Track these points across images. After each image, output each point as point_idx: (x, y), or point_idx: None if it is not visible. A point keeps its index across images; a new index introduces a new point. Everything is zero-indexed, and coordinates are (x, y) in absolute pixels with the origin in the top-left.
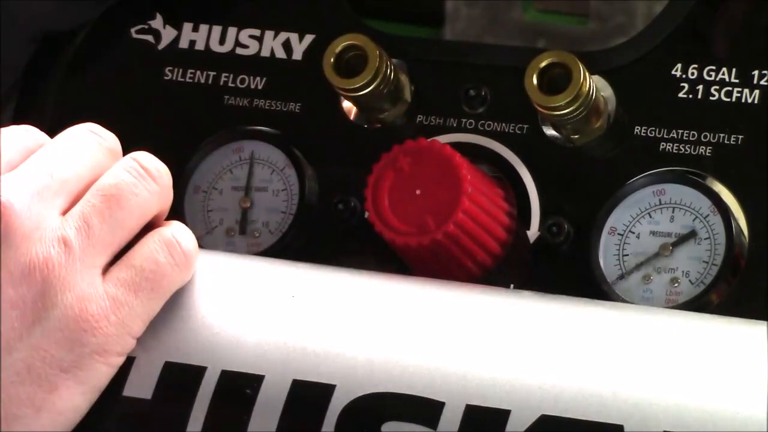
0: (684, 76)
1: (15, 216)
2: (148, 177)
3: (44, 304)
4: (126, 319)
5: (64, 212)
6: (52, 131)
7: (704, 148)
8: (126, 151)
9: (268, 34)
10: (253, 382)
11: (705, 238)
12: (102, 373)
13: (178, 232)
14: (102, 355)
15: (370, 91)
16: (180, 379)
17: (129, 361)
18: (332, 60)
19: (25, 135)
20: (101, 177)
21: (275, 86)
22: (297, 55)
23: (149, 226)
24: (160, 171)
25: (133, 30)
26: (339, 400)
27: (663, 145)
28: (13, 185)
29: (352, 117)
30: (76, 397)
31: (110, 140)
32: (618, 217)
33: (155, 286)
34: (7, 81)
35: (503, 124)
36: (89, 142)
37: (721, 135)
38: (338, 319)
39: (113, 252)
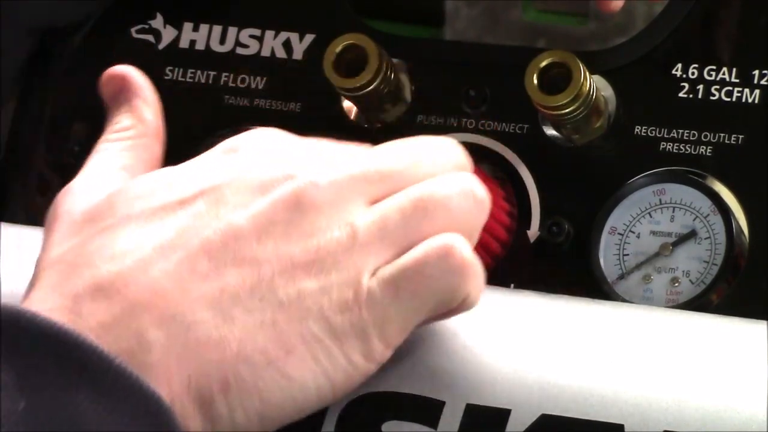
0: (684, 76)
1: (312, 187)
2: (472, 199)
3: (310, 275)
4: (378, 320)
5: (372, 202)
6: (52, 131)
7: (704, 147)
8: None
9: (269, 34)
10: None
11: (705, 238)
12: (340, 365)
13: (458, 241)
14: (342, 343)
15: (370, 91)
16: None
17: None
18: (332, 60)
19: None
20: (426, 182)
21: (275, 86)
22: (297, 54)
23: None
24: (486, 202)
25: (133, 30)
26: (339, 400)
27: (663, 144)
28: (327, 167)
29: (352, 117)
30: (308, 373)
31: (460, 158)
32: (618, 217)
33: (417, 290)
34: (6, 76)
35: (503, 124)
36: (436, 149)
37: (722, 135)
38: None
39: (397, 253)
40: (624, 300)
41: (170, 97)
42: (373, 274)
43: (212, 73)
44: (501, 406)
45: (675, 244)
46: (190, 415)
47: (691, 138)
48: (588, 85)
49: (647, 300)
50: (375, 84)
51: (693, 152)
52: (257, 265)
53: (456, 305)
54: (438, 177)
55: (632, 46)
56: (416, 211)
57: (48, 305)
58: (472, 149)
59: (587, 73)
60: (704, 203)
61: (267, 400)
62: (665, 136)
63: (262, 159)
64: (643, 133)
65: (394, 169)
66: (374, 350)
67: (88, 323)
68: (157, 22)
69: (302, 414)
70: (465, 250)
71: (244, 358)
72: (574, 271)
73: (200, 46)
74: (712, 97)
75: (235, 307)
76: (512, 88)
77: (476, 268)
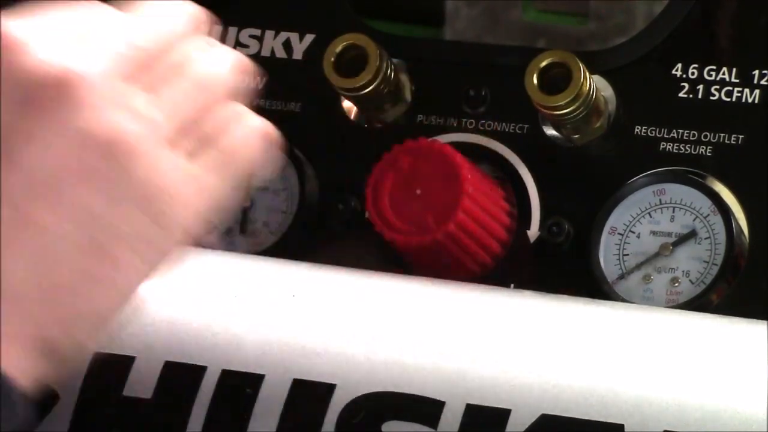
0: (684, 76)
1: (83, 82)
2: (217, 52)
3: (113, 174)
4: (197, 196)
5: (136, 81)
6: None
7: (704, 147)
8: None
9: (268, 34)
10: (253, 381)
11: (705, 238)
12: (161, 250)
13: (249, 112)
14: (168, 229)
15: (370, 91)
16: (180, 379)
17: (129, 361)
18: (332, 60)
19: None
20: (173, 51)
21: (275, 86)
22: (297, 54)
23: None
24: (245, 65)
25: None
26: (339, 400)
27: (663, 144)
28: (86, 54)
29: (352, 117)
30: (133, 273)
31: (199, 13)
32: (618, 217)
33: (229, 163)
34: None
35: (503, 124)
36: (175, 13)
37: (722, 135)
38: (338, 319)
39: (183, 126)
40: (624, 300)
41: None
42: (178, 151)
43: None
44: (501, 406)
45: (675, 244)
46: (41, 367)
47: (691, 138)
48: (588, 85)
49: (647, 300)
50: (375, 84)
51: (693, 152)
52: (56, 189)
53: (261, 172)
54: (184, 44)
55: (632, 46)
56: (199, 90)
57: None
58: (472, 149)
59: (587, 73)
60: (704, 203)
61: (102, 314)
62: (665, 136)
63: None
64: (643, 133)
65: (156, 46)
66: (197, 227)
67: None
68: None
69: (130, 297)
70: (258, 119)
71: (69, 290)
72: (574, 271)
73: None
74: (712, 97)
75: (51, 242)
76: (512, 88)
77: (275, 133)
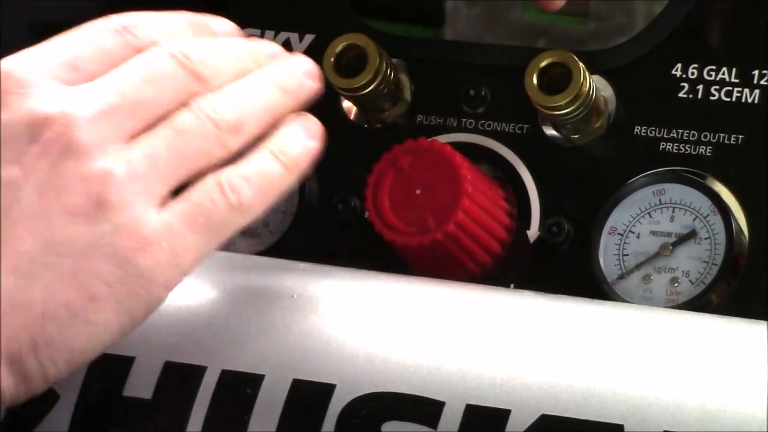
0: (684, 76)
1: (76, 128)
2: (228, 134)
3: (98, 217)
4: (178, 250)
5: (133, 136)
6: None
7: (704, 147)
8: None
9: (268, 34)
10: (253, 381)
11: (705, 238)
12: (141, 301)
13: (241, 182)
14: (147, 279)
15: (370, 91)
16: (180, 379)
17: (129, 361)
18: (332, 60)
19: (109, 38)
20: (181, 113)
21: None
22: None
23: None
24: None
25: None
26: (339, 400)
27: (663, 144)
28: (80, 100)
29: (352, 117)
30: (111, 315)
31: (197, 62)
32: (618, 217)
33: (209, 223)
34: None
35: (503, 124)
36: (174, 67)
37: (721, 135)
38: (338, 319)
39: (173, 186)
40: (624, 300)
41: None
42: (161, 207)
43: None
44: (501, 406)
45: (675, 244)
46: (2, 376)
47: (691, 138)
48: (588, 85)
49: (647, 300)
50: (375, 84)
51: (693, 152)
52: (44, 220)
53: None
54: (192, 112)
55: (632, 46)
56: (181, 143)
57: None
58: (472, 149)
59: (587, 73)
60: (704, 203)
61: (75, 349)
62: (665, 136)
63: (17, 104)
64: (643, 133)
65: (145, 97)
66: (174, 280)
67: None
68: None
69: (105, 349)
70: (244, 188)
71: (50, 316)
72: (574, 271)
73: None
74: (712, 97)
75: (33, 266)
76: (512, 88)
77: (258, 201)
